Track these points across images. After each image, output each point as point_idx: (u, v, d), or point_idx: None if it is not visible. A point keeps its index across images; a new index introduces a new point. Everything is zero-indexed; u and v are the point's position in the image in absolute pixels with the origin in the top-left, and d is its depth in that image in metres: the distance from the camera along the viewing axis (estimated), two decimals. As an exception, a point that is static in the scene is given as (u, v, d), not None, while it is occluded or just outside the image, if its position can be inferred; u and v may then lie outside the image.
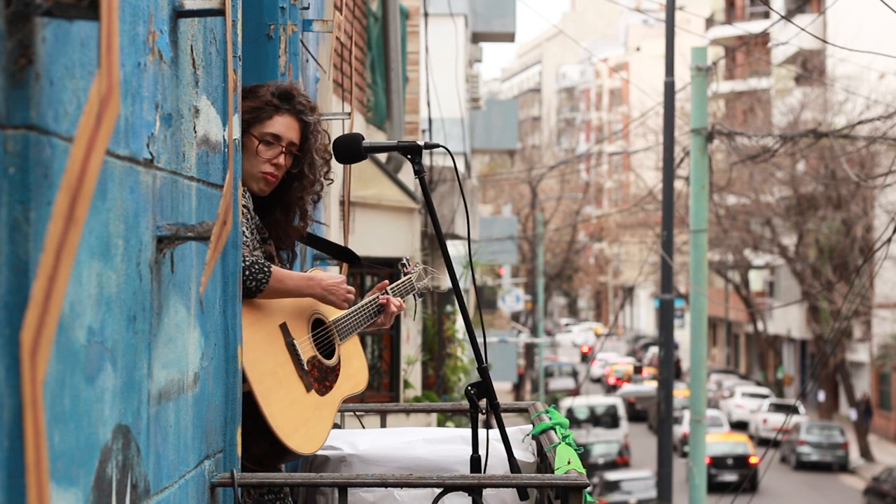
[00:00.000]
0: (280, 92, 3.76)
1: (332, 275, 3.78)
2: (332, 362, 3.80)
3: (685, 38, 36.21)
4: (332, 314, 3.89)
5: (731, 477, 31.12)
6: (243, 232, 3.59)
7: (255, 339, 3.50)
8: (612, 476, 30.93)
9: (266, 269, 3.52)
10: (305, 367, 3.66)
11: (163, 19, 2.68)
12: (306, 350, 3.69)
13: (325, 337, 3.83)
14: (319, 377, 3.73)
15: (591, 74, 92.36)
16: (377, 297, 4.06)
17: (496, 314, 44.33)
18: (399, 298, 4.12)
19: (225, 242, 3.00)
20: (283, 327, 3.62)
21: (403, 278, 4.25)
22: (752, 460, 32.06)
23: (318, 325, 3.82)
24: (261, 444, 3.45)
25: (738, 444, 33.27)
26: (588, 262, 73.70)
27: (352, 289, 3.81)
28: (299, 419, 3.57)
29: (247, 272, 3.48)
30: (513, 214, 48.28)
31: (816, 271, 37.05)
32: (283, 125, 3.74)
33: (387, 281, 4.13)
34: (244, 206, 3.65)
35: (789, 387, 46.90)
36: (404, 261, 4.33)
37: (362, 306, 4.00)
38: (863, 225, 35.04)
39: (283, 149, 3.74)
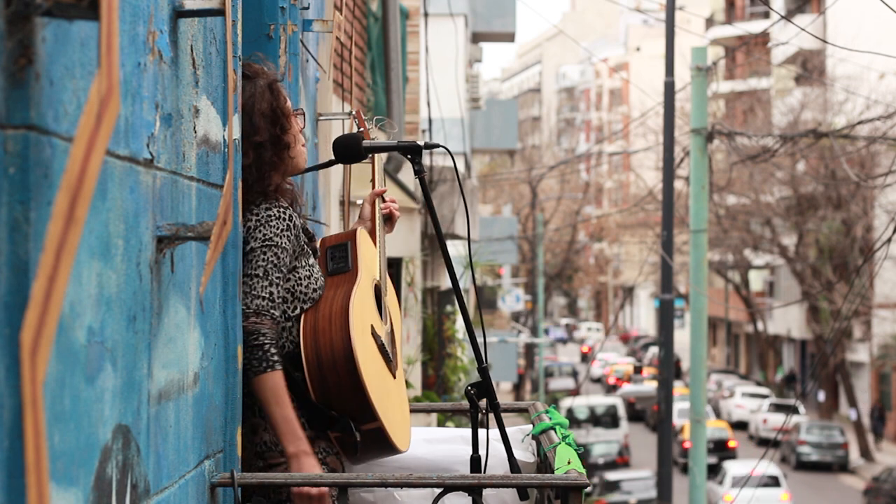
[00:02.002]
0: (253, 71, 3.52)
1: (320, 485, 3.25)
2: (388, 325, 3.66)
3: (685, 38, 36.14)
4: (375, 268, 3.63)
5: (710, 459, 32.65)
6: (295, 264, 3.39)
7: (375, 370, 3.42)
8: (612, 476, 30.94)
9: (269, 363, 3.25)
10: (390, 356, 3.59)
11: (163, 19, 2.68)
12: (386, 338, 3.59)
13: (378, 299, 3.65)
14: (393, 351, 3.64)
15: (591, 74, 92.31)
16: (370, 210, 3.81)
17: (496, 314, 44.26)
18: (393, 202, 3.82)
19: (225, 242, 3.00)
20: (373, 332, 3.50)
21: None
22: (731, 444, 35.20)
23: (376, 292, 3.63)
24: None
25: (718, 430, 35.75)
26: (588, 262, 73.65)
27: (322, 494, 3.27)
28: (402, 417, 3.57)
29: (255, 352, 3.24)
30: (513, 214, 48.24)
31: (816, 271, 37.03)
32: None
33: (375, 190, 3.83)
34: (295, 224, 3.40)
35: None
36: (353, 112, 3.94)
37: (380, 238, 3.77)
38: (863, 225, 35.01)
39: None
